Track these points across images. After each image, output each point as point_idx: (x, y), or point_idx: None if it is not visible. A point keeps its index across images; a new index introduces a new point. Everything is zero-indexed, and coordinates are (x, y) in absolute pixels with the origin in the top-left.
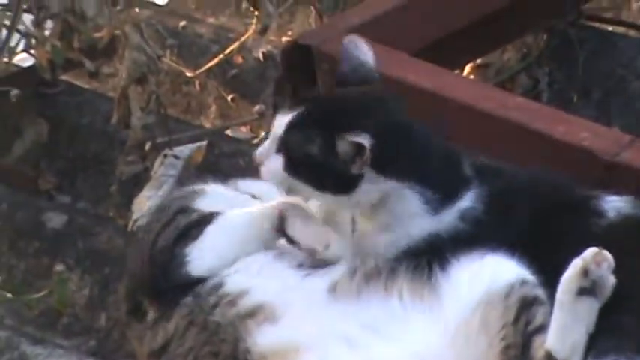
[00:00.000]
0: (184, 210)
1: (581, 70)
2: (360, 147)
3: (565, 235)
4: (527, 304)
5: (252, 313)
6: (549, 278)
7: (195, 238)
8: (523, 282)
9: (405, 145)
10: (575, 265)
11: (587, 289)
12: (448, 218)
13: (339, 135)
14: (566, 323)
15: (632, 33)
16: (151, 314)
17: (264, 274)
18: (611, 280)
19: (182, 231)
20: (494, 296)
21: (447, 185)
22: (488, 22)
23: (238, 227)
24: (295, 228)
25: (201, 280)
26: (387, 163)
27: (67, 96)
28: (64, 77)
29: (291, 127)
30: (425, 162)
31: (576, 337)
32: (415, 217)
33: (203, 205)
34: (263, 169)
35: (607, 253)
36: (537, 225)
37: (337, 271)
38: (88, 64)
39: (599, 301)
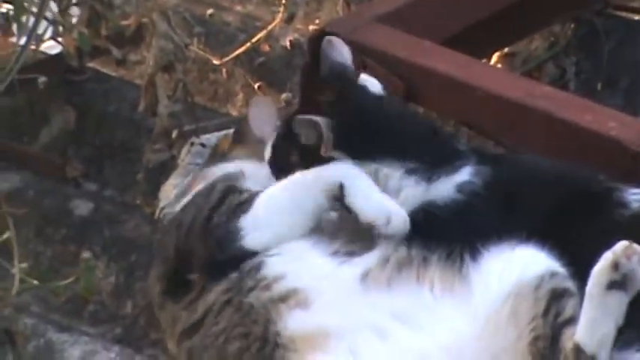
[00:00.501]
0: (233, 190)
1: (608, 60)
2: (315, 124)
3: (588, 226)
4: (557, 296)
5: (284, 298)
6: (574, 270)
7: (247, 212)
8: (553, 274)
9: (370, 125)
10: (606, 258)
11: (617, 282)
12: (444, 188)
13: (293, 118)
14: (596, 317)
15: None
16: (193, 292)
17: (300, 260)
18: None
19: (235, 208)
20: (524, 288)
21: (433, 156)
22: (515, 11)
23: (292, 194)
24: (356, 198)
25: (254, 254)
26: (353, 144)
27: (94, 83)
28: (91, 65)
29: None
30: (397, 137)
31: (605, 331)
32: (405, 188)
33: (250, 184)
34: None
35: (638, 247)
36: (556, 216)
37: (370, 260)
38: (115, 52)
39: (628, 295)
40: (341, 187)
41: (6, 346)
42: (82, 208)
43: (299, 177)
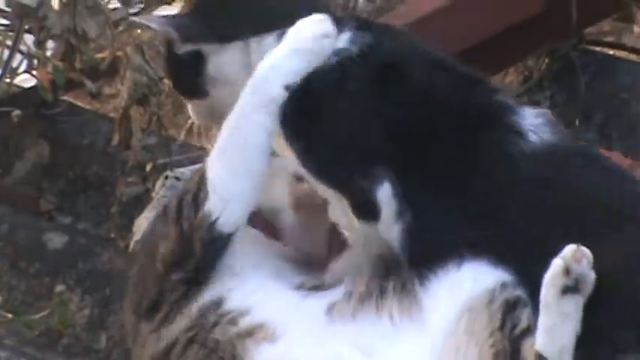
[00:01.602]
0: (186, 192)
1: (583, 94)
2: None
3: (474, 150)
4: (510, 308)
5: (251, 332)
6: (449, 189)
7: (206, 197)
8: (503, 285)
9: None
10: (556, 264)
11: (570, 287)
12: None
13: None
14: (554, 323)
15: (633, 57)
16: (163, 312)
17: (264, 293)
18: (592, 275)
19: (193, 203)
20: (476, 304)
21: None
22: (490, 46)
23: (236, 145)
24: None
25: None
26: (216, 27)
27: (68, 116)
28: (65, 98)
29: None
30: (264, 10)
31: (565, 336)
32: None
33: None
34: None
35: (585, 249)
36: (437, 125)
37: (335, 294)
38: (90, 85)
39: (583, 297)
40: (285, 87)
41: None
42: (56, 241)
43: (229, 123)
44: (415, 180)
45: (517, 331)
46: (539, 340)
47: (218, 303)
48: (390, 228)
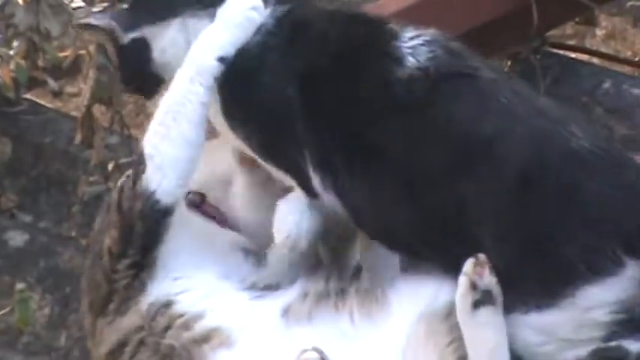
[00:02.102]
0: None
1: (544, 97)
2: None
3: (364, 88)
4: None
5: (207, 338)
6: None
7: (144, 171)
8: (447, 300)
9: None
10: (462, 283)
11: (480, 300)
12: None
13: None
14: (476, 336)
15: (595, 60)
16: (112, 305)
17: (216, 295)
18: (495, 281)
19: (133, 180)
20: (438, 315)
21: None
22: None
23: (171, 108)
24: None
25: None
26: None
27: (30, 115)
28: (27, 96)
29: None
30: None
31: (491, 345)
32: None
33: None
34: None
35: (483, 257)
36: (328, 75)
37: (289, 295)
38: (52, 84)
39: (497, 305)
40: (220, 61)
41: None
42: (17, 239)
43: (166, 96)
44: (331, 142)
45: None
46: (470, 352)
47: (168, 304)
48: (324, 197)
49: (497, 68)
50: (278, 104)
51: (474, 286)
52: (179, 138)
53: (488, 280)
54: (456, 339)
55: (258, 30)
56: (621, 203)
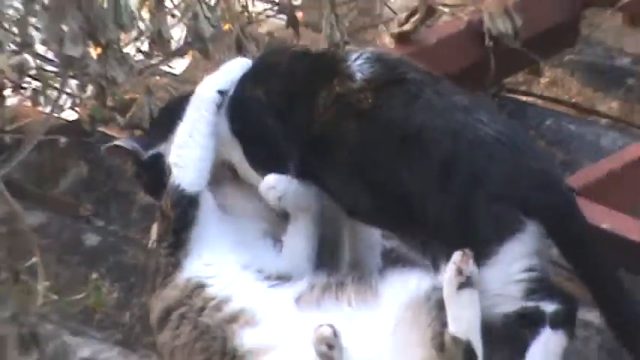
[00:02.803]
0: None
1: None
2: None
3: (327, 101)
4: (440, 306)
5: (235, 318)
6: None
7: (171, 172)
8: (435, 288)
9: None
10: (451, 268)
11: (464, 283)
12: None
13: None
14: (458, 312)
15: (539, 102)
16: (159, 279)
17: (239, 283)
18: (476, 269)
19: (168, 183)
20: (420, 300)
21: None
22: None
23: (189, 130)
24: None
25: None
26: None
27: (103, 143)
28: (100, 129)
29: None
30: None
31: (469, 320)
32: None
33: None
34: None
35: (469, 251)
36: (300, 95)
37: (300, 286)
38: (119, 119)
39: (476, 288)
40: (220, 93)
41: (32, 346)
42: (92, 239)
43: (182, 124)
44: (314, 154)
45: (444, 322)
46: (451, 326)
47: (201, 286)
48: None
49: (425, 71)
50: (266, 133)
51: (460, 272)
52: (194, 145)
53: (472, 267)
54: (434, 319)
55: (243, 74)
56: (518, 180)
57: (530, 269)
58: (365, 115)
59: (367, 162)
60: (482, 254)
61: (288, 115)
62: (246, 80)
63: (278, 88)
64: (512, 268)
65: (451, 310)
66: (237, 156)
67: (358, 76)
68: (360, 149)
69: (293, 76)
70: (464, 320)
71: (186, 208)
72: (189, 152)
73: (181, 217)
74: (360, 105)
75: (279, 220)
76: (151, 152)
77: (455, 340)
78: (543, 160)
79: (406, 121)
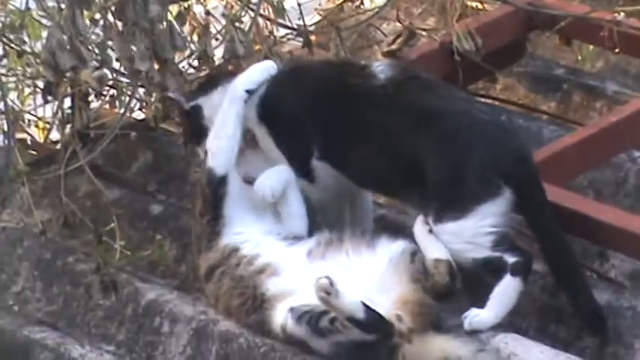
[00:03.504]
0: None
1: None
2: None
3: (352, 94)
4: (414, 254)
5: (263, 270)
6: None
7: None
8: (407, 246)
9: None
10: (417, 222)
11: (430, 231)
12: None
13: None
14: (433, 243)
15: (496, 103)
16: (204, 244)
17: (264, 244)
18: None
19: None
20: (399, 253)
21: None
22: None
23: (223, 122)
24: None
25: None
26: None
27: (164, 137)
28: (162, 125)
29: None
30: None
31: (443, 248)
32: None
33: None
34: None
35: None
36: (329, 92)
37: (310, 243)
38: (177, 118)
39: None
40: (248, 92)
41: (111, 290)
42: (156, 209)
43: (218, 118)
44: (338, 137)
45: (422, 259)
46: (431, 254)
47: (236, 249)
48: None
49: (432, 75)
50: (296, 122)
51: (426, 223)
52: (224, 134)
53: (429, 224)
54: (407, 265)
55: (279, 72)
56: (501, 153)
57: (498, 226)
58: (387, 101)
59: (388, 136)
60: (464, 208)
61: (317, 106)
62: (280, 78)
63: (308, 85)
64: (484, 223)
65: (427, 244)
66: (262, 136)
67: (381, 76)
68: (383, 127)
69: (325, 75)
70: (440, 248)
71: (217, 186)
72: (221, 142)
73: (215, 193)
74: (383, 94)
75: None
76: (191, 103)
77: (437, 260)
78: (521, 141)
79: (420, 104)
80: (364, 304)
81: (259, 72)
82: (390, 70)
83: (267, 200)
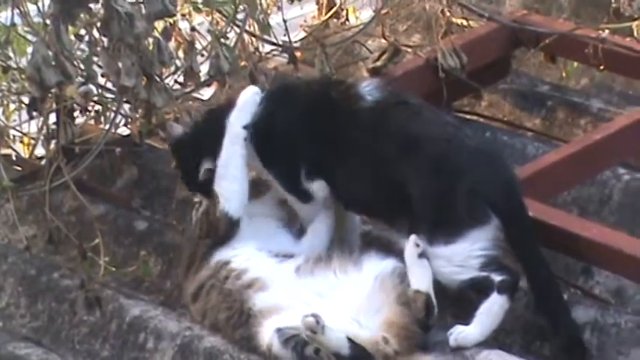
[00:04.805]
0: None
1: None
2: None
3: (340, 116)
4: (403, 275)
5: (250, 285)
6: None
7: (218, 203)
8: (397, 266)
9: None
10: (409, 242)
11: (421, 254)
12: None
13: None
14: (419, 273)
15: (481, 120)
16: (194, 268)
17: (255, 259)
18: (426, 245)
19: (215, 209)
20: (387, 273)
21: None
22: None
23: (227, 165)
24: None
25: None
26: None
27: (149, 152)
28: (147, 141)
29: None
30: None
31: (428, 279)
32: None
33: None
34: None
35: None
36: (317, 113)
37: (299, 260)
38: (162, 133)
39: (426, 258)
40: (245, 128)
41: (95, 307)
42: (141, 225)
43: (220, 160)
44: (326, 158)
45: (406, 284)
46: (414, 285)
47: (227, 262)
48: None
49: (419, 100)
50: (285, 144)
51: (417, 245)
52: (232, 178)
53: (423, 244)
54: (396, 286)
55: (260, 103)
56: (490, 181)
57: (486, 249)
58: (375, 125)
59: (375, 160)
60: (453, 233)
61: (305, 128)
62: (267, 101)
63: (296, 108)
64: (474, 247)
65: (413, 272)
66: (251, 157)
67: (368, 98)
68: (370, 151)
69: (312, 97)
70: (424, 279)
71: (232, 226)
72: (230, 185)
73: (228, 232)
74: (371, 118)
75: (288, 215)
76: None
77: (417, 292)
78: (509, 170)
79: (409, 129)
80: (349, 340)
81: (249, 103)
82: (378, 92)
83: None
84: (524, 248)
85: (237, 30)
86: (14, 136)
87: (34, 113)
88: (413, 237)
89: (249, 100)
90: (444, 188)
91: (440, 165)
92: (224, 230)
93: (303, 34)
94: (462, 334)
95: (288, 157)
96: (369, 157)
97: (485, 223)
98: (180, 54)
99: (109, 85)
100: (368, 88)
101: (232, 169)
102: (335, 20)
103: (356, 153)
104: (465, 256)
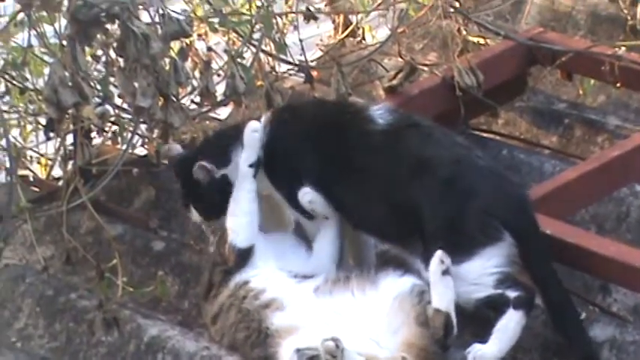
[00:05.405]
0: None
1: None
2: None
3: (352, 139)
4: (422, 293)
5: (268, 305)
6: (348, 168)
7: (227, 238)
8: (416, 284)
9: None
10: (435, 260)
11: (445, 270)
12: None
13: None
14: (441, 291)
15: (498, 137)
16: (214, 291)
17: (273, 279)
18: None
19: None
20: (406, 292)
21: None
22: None
23: (237, 200)
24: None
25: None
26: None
27: (166, 173)
28: (164, 161)
29: None
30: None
31: (448, 298)
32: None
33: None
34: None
35: (444, 253)
36: (326, 135)
37: (317, 280)
38: None
39: (451, 276)
40: (250, 166)
41: (113, 327)
42: (158, 245)
43: (233, 196)
44: (331, 179)
45: (426, 302)
46: (435, 301)
47: (246, 282)
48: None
49: (430, 122)
50: (290, 165)
51: (442, 262)
52: (241, 212)
53: (448, 261)
54: (416, 304)
55: (269, 124)
56: (501, 199)
57: (500, 266)
58: (387, 147)
59: (387, 182)
60: (467, 252)
61: (312, 150)
62: (277, 122)
63: (303, 130)
64: (488, 265)
65: (436, 290)
66: (260, 178)
67: (380, 121)
68: (381, 173)
69: (323, 119)
70: (445, 298)
71: (243, 256)
72: (239, 220)
73: (239, 262)
74: (383, 140)
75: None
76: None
77: (437, 311)
78: (520, 189)
79: (421, 151)
80: None
81: (252, 140)
82: (389, 115)
83: (305, 205)
84: (538, 267)
85: (254, 50)
86: (31, 157)
87: (51, 134)
88: (439, 252)
89: (251, 140)
90: (456, 208)
91: (451, 185)
92: (234, 262)
93: (319, 53)
94: (479, 352)
95: (294, 179)
96: (380, 179)
97: (499, 240)
98: (197, 74)
99: (126, 105)
100: (378, 112)
101: (242, 204)
102: (351, 39)
103: (367, 176)
104: (479, 273)
